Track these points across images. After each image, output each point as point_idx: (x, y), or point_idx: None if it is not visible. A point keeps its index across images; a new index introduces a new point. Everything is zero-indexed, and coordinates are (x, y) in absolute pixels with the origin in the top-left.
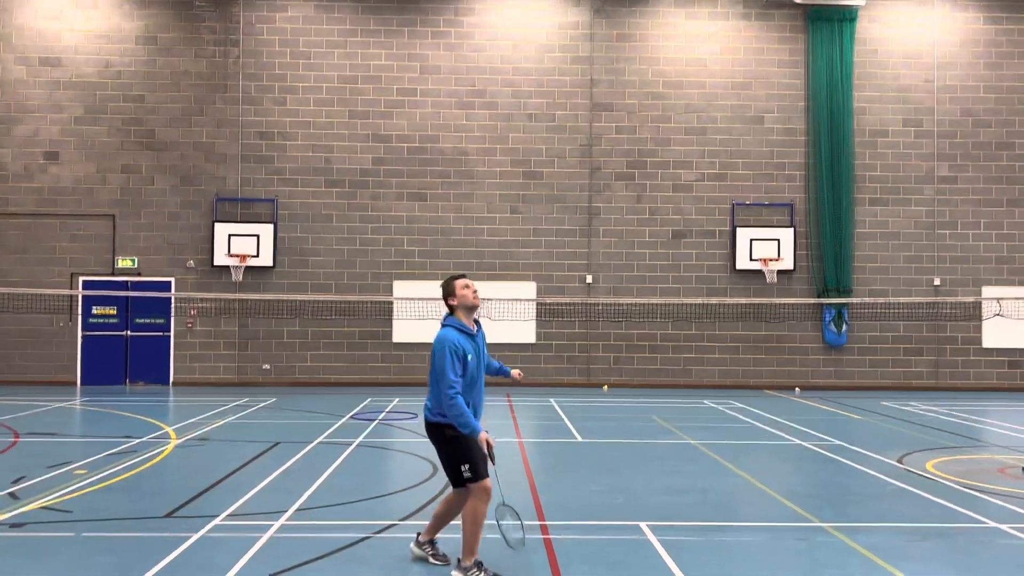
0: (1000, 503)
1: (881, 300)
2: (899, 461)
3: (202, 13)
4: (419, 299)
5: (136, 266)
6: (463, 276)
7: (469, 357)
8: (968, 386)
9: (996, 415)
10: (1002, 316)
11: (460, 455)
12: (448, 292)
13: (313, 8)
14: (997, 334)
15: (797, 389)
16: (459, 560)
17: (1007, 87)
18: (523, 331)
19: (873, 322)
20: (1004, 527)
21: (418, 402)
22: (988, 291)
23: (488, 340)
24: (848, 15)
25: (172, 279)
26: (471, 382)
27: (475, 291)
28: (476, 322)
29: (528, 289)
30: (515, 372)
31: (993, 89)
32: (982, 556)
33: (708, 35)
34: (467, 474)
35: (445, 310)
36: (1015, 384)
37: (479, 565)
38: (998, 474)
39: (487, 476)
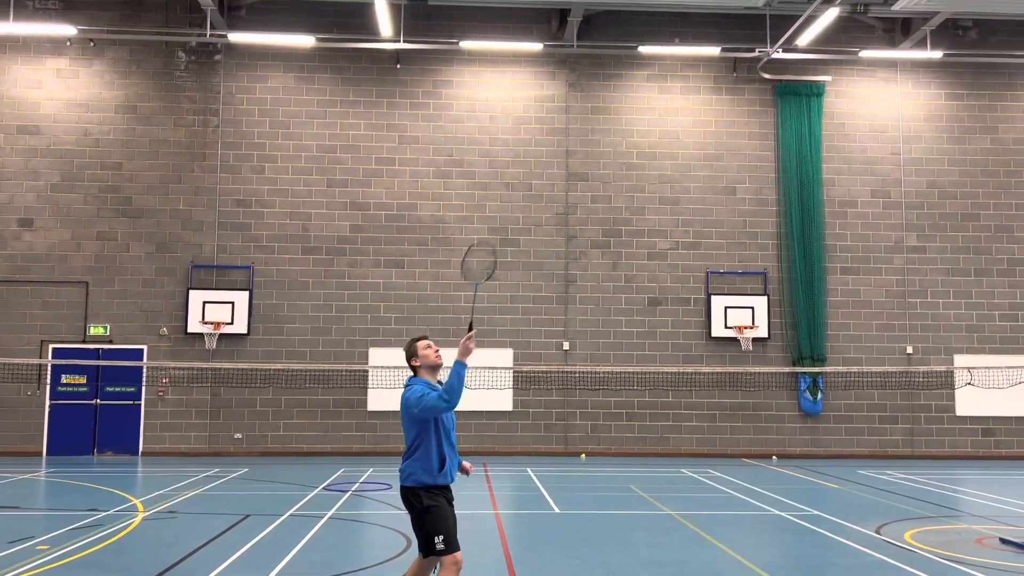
0: (978, 575)
1: (855, 369)
2: (877, 531)
3: (183, 83)
4: (394, 367)
5: (108, 333)
6: (424, 337)
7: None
8: (943, 454)
9: (971, 484)
10: (973, 385)
11: (434, 526)
12: (410, 354)
13: (293, 79)
14: (970, 402)
15: (774, 457)
16: None
17: (970, 160)
18: (500, 399)
19: (848, 390)
20: None
21: (392, 472)
22: (959, 359)
23: (465, 408)
24: (815, 90)
25: (144, 347)
26: (450, 439)
27: (437, 351)
28: (440, 383)
29: (505, 356)
30: (466, 464)
31: (957, 162)
32: None
33: (680, 108)
34: (440, 546)
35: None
36: (989, 452)
37: None
38: (976, 545)
39: (459, 549)
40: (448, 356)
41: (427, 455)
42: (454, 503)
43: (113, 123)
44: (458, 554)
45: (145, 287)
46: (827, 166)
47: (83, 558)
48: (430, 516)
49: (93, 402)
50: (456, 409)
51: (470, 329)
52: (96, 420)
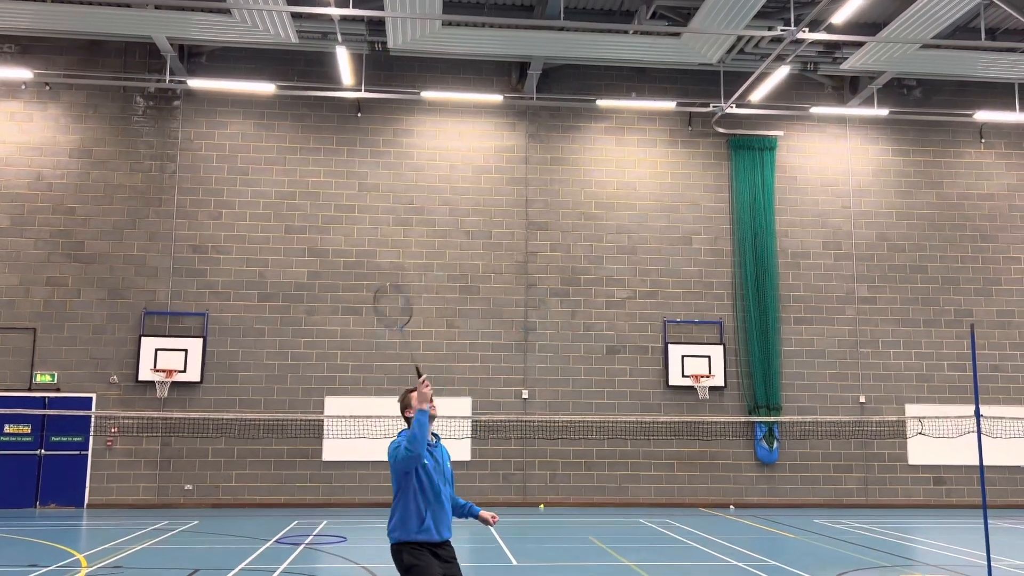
0: None
1: (809, 418)
2: None
3: (140, 128)
4: (351, 416)
5: (55, 381)
6: (412, 389)
7: (425, 461)
8: (897, 503)
9: (924, 532)
10: (924, 435)
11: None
12: (404, 405)
13: (253, 125)
14: (921, 451)
15: (731, 507)
16: None
17: (917, 214)
18: (458, 449)
19: (803, 439)
20: None
21: (347, 525)
22: (911, 409)
23: None
24: (768, 144)
25: (93, 395)
26: (433, 499)
27: (421, 395)
28: (435, 435)
29: (464, 405)
30: (486, 514)
31: (905, 216)
32: None
33: (637, 160)
34: None
35: (381, 425)
36: (941, 501)
37: None
38: None
39: None
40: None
41: (405, 509)
42: (453, 561)
43: (67, 167)
44: None
45: (95, 334)
46: (780, 218)
47: None
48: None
49: (37, 452)
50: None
51: (419, 375)
52: (40, 471)
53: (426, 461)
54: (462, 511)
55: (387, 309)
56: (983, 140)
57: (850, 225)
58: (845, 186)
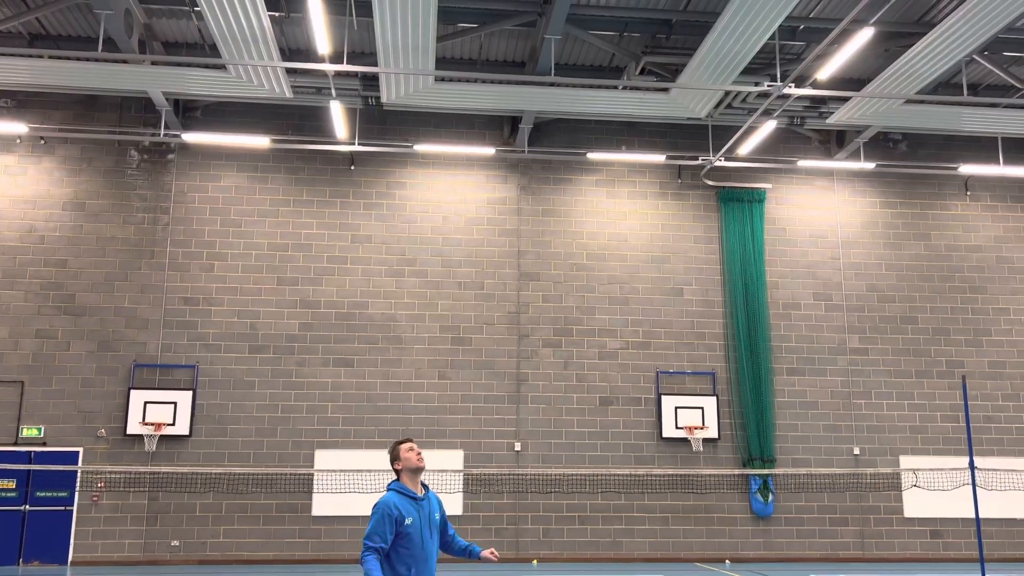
0: None
1: (804, 471)
2: None
3: (134, 181)
4: (341, 471)
5: (42, 435)
6: (409, 440)
7: (408, 521)
8: (893, 556)
9: None
10: (919, 487)
11: None
12: (393, 456)
13: (246, 178)
14: (917, 504)
15: (727, 561)
16: None
17: (906, 265)
18: (450, 503)
19: (798, 492)
20: None
21: None
22: (905, 461)
23: None
24: (757, 196)
25: (80, 449)
26: (419, 555)
27: (419, 454)
28: (424, 487)
29: (455, 458)
30: (487, 552)
31: (894, 267)
32: None
33: (628, 212)
34: None
35: (371, 480)
36: (938, 555)
37: None
38: None
39: None
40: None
41: (392, 570)
42: None
43: (60, 220)
44: None
45: (84, 387)
46: (770, 269)
47: None
48: None
49: (22, 508)
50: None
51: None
52: (24, 527)
53: (409, 519)
54: (464, 552)
55: None
56: (968, 192)
57: (840, 276)
58: (834, 238)
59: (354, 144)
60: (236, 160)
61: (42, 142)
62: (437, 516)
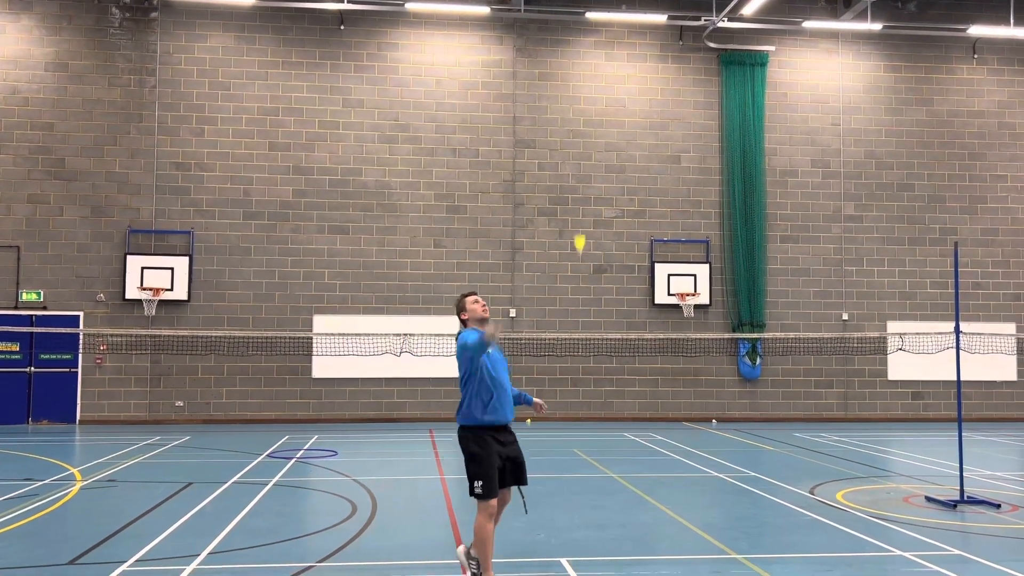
0: (905, 531)
1: (792, 335)
2: (811, 492)
3: (117, 41)
4: (340, 334)
5: (42, 300)
6: (473, 293)
7: (489, 350)
8: (875, 417)
9: (900, 445)
10: (904, 351)
11: (475, 470)
12: (459, 308)
13: (233, 39)
14: (901, 367)
15: (714, 421)
16: None
17: (906, 131)
18: (446, 366)
19: (785, 356)
20: (908, 555)
21: (337, 439)
22: (892, 326)
23: (412, 375)
24: (759, 60)
25: (80, 313)
26: (499, 381)
27: (484, 305)
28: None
29: (451, 323)
30: (538, 401)
31: (894, 133)
32: None
33: (627, 76)
34: (478, 491)
35: (370, 343)
36: (918, 415)
37: None
38: (903, 503)
39: (495, 496)
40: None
41: (475, 395)
42: (514, 443)
43: (43, 81)
44: (494, 501)
45: (80, 252)
46: (769, 136)
47: (19, 528)
48: (473, 463)
49: (27, 370)
50: (404, 376)
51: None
52: (30, 388)
53: (490, 350)
54: (517, 399)
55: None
56: (976, 56)
57: (839, 143)
58: (835, 103)
59: (343, 2)
60: (222, 19)
61: None
62: (504, 362)
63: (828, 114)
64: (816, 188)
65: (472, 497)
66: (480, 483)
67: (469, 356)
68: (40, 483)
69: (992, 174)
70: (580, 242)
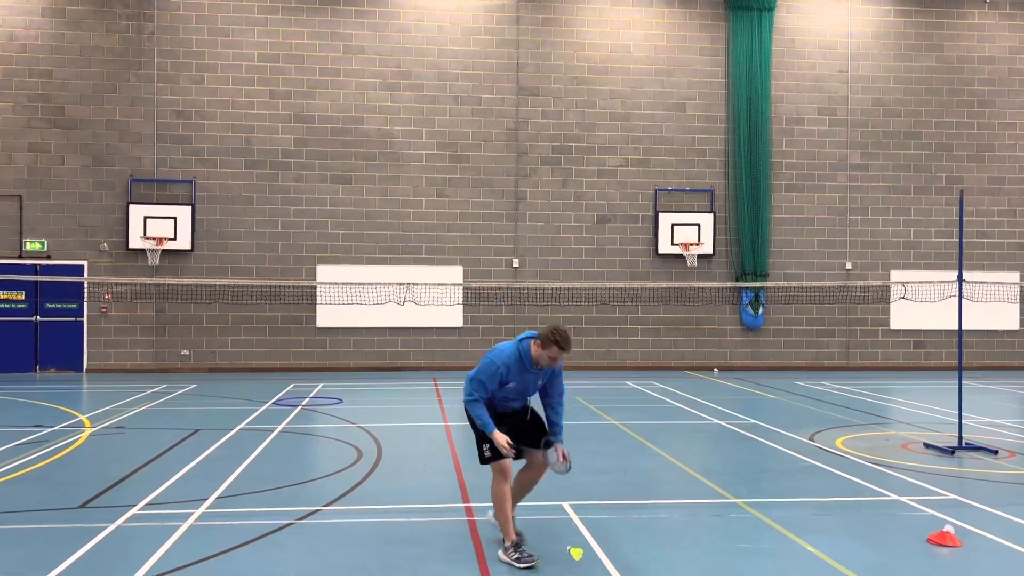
0: (902, 477)
1: (795, 284)
2: (810, 439)
3: None
4: (344, 283)
5: (46, 249)
6: (558, 346)
7: (511, 385)
8: (876, 366)
9: (901, 393)
10: (907, 299)
11: (480, 435)
12: (542, 338)
13: None
14: (903, 316)
15: (716, 370)
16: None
17: (915, 78)
18: (450, 315)
19: (788, 305)
20: (905, 499)
21: (342, 387)
22: (895, 275)
23: (415, 325)
24: (767, 5)
25: (84, 262)
26: (503, 407)
27: (551, 358)
28: (540, 370)
29: (455, 273)
30: (561, 449)
31: (902, 80)
32: (884, 527)
33: (632, 22)
34: (487, 454)
35: (374, 292)
36: (919, 364)
37: (515, 546)
38: (901, 449)
39: (504, 457)
40: None
41: (483, 389)
42: (524, 410)
43: (40, 27)
44: (504, 462)
45: (82, 201)
46: (776, 83)
47: (29, 473)
48: (478, 429)
49: (33, 319)
50: (407, 325)
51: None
52: (37, 337)
53: (512, 384)
54: (548, 424)
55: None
56: (987, 0)
57: (846, 90)
58: (843, 49)
59: None
60: None
61: None
62: (540, 381)
63: (836, 60)
64: (822, 136)
65: (483, 465)
66: (487, 446)
67: (474, 397)
68: (49, 429)
69: (1001, 121)
70: (577, 554)
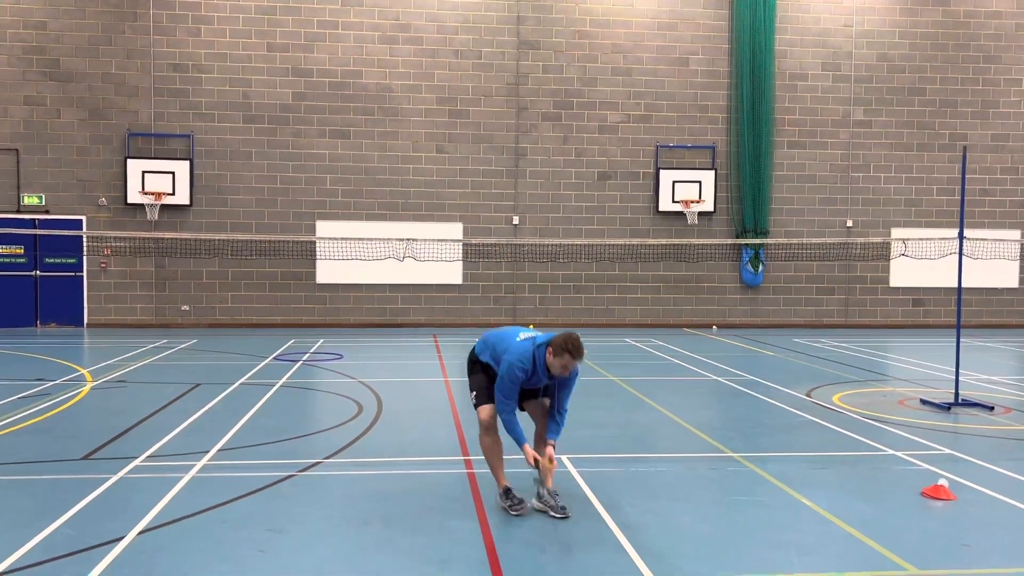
0: (898, 432)
1: (796, 241)
2: (807, 395)
3: None
4: (343, 239)
5: (44, 203)
6: (571, 354)
7: (526, 386)
8: (875, 323)
9: (899, 351)
10: (907, 256)
11: (471, 382)
12: (554, 346)
13: None
14: (903, 274)
15: (714, 327)
16: None
17: (921, 33)
18: (450, 272)
19: (788, 262)
20: (900, 454)
21: (343, 343)
22: (896, 232)
23: (415, 281)
24: None
25: (83, 217)
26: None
27: (563, 366)
28: (552, 377)
29: (454, 230)
30: (548, 452)
31: (908, 35)
32: (879, 481)
33: None
34: (472, 400)
35: (374, 248)
36: (918, 321)
37: (506, 492)
38: (898, 405)
39: (486, 404)
40: None
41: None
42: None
43: None
44: (484, 408)
45: (80, 155)
46: (780, 37)
47: (32, 426)
48: (472, 376)
49: (32, 273)
50: (407, 282)
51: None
52: (37, 291)
53: (526, 386)
54: (547, 429)
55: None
56: None
57: (851, 45)
58: (849, 3)
59: None
60: None
61: None
62: (553, 386)
63: (841, 14)
64: (826, 92)
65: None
66: (474, 393)
67: (505, 391)
68: (51, 383)
69: (1007, 78)
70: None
